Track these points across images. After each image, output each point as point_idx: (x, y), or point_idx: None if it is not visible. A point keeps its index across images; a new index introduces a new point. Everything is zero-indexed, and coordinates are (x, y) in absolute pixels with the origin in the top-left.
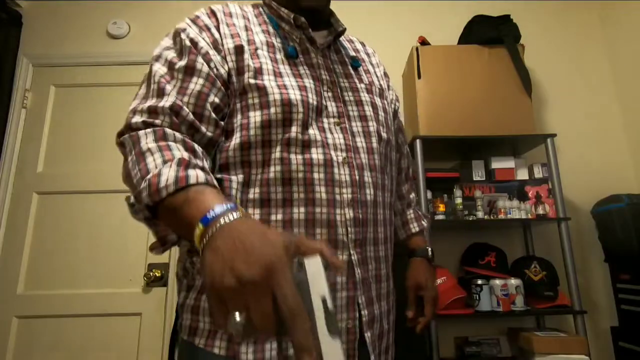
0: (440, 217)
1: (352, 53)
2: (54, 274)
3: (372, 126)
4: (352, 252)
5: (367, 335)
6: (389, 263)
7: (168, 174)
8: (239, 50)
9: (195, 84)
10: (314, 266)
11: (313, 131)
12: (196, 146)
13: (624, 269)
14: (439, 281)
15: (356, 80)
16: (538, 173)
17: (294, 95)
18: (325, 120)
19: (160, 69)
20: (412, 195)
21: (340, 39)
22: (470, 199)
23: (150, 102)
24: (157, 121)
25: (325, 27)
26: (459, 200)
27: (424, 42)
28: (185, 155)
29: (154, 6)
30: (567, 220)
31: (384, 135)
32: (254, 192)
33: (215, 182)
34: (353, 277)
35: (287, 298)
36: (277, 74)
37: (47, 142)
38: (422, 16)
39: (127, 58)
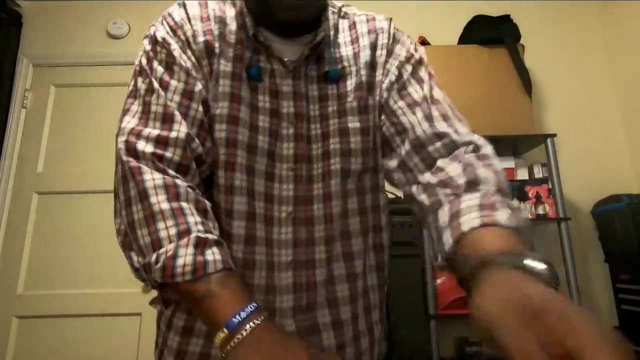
0: None
1: (344, 51)
2: (54, 274)
3: (335, 163)
4: (290, 322)
5: None
6: (363, 320)
7: (185, 259)
8: (210, 54)
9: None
10: None
11: (258, 180)
12: (207, 205)
13: (624, 269)
14: (439, 281)
15: (329, 102)
16: (538, 173)
17: (242, 136)
18: (278, 165)
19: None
20: (469, 174)
21: (343, 26)
22: None
23: (157, 129)
24: (168, 154)
25: (310, 31)
26: None
27: (424, 42)
28: (200, 226)
29: (154, 6)
30: (567, 220)
31: (354, 167)
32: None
33: (229, 259)
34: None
35: None
36: (235, 99)
37: (47, 142)
38: (422, 16)
39: (127, 58)
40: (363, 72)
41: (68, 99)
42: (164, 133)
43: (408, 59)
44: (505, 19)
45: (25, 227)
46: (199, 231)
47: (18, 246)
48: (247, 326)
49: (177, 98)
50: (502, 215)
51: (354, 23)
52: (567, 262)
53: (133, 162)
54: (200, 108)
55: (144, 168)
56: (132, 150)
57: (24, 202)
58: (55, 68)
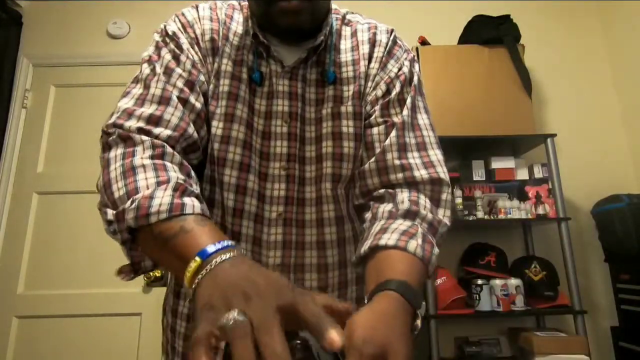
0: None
1: (343, 56)
2: (54, 274)
3: (327, 167)
4: None
5: None
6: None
7: (162, 199)
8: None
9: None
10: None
11: (252, 177)
12: (192, 171)
13: (624, 269)
14: (438, 281)
15: (325, 104)
16: (538, 173)
17: (237, 133)
18: (271, 164)
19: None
20: (413, 199)
21: (345, 32)
22: (470, 199)
23: (151, 110)
24: (156, 131)
25: (310, 38)
26: (459, 200)
27: (424, 42)
28: (182, 178)
29: (154, 6)
30: (567, 220)
31: (344, 173)
32: None
33: (208, 214)
34: None
35: (274, 354)
36: (231, 97)
37: (47, 142)
38: (422, 16)
39: (127, 58)
40: (361, 80)
41: (68, 99)
42: (157, 113)
43: (398, 77)
44: (505, 19)
45: (25, 227)
46: (178, 179)
47: (18, 246)
48: (222, 256)
49: (179, 84)
50: (413, 245)
51: (356, 31)
52: (567, 262)
53: (115, 135)
54: (201, 98)
55: (135, 139)
56: (117, 126)
57: (24, 202)
58: (55, 68)
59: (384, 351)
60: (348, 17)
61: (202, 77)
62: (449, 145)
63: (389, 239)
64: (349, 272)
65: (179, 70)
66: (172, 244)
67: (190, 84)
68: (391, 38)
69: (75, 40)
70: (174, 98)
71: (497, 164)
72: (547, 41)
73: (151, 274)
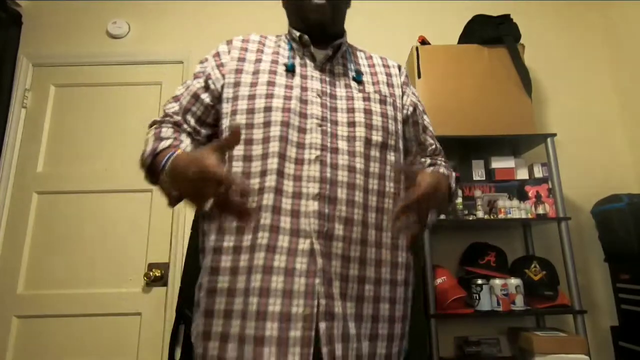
0: (440, 216)
1: (362, 67)
2: (54, 274)
3: (360, 131)
4: (314, 241)
5: (322, 325)
6: (379, 269)
7: (150, 148)
8: (239, 70)
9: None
10: None
11: (292, 131)
12: (181, 132)
13: (624, 269)
14: (438, 281)
15: (354, 90)
16: (538, 173)
17: (277, 102)
18: (308, 121)
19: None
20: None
21: (361, 55)
22: (470, 198)
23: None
24: (167, 118)
25: (333, 39)
26: (459, 200)
27: (424, 41)
28: (168, 135)
29: (154, 6)
30: (567, 220)
31: (375, 138)
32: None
33: (177, 143)
34: (314, 266)
35: (216, 173)
36: (270, 84)
37: (47, 142)
38: (422, 16)
39: (127, 58)
40: (381, 85)
41: (68, 99)
42: (168, 110)
43: (418, 98)
44: (505, 19)
45: (25, 227)
46: (163, 137)
47: (18, 246)
48: (172, 156)
49: (187, 96)
50: (440, 168)
51: (370, 56)
52: (567, 261)
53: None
54: (210, 97)
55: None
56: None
57: (24, 202)
58: (55, 68)
59: (436, 186)
60: (358, 47)
61: (212, 86)
62: (449, 144)
63: (428, 165)
64: (370, 215)
65: (195, 84)
66: (155, 165)
67: (196, 96)
68: (402, 71)
69: (75, 40)
70: (184, 104)
71: (497, 163)
72: (547, 41)
73: (151, 273)
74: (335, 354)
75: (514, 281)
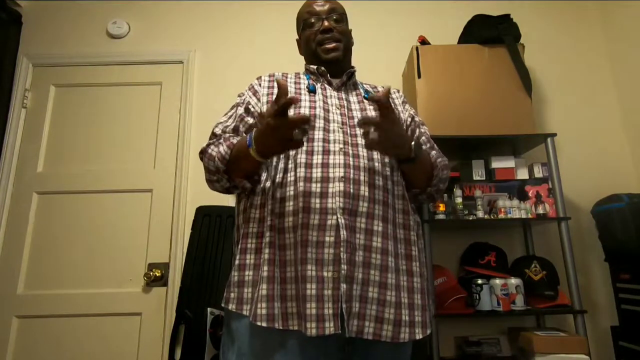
0: (441, 216)
1: (367, 88)
2: (53, 274)
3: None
4: (339, 217)
5: (343, 286)
6: (391, 241)
7: (224, 148)
8: (270, 93)
9: (234, 120)
10: None
11: (318, 132)
12: (232, 138)
13: (624, 269)
14: (439, 281)
15: (366, 104)
16: (538, 173)
17: (303, 110)
18: (331, 125)
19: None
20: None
21: (367, 86)
22: (470, 198)
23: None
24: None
25: (344, 70)
26: (459, 200)
27: (424, 41)
28: (227, 137)
29: (154, 6)
30: (567, 219)
31: None
32: (272, 176)
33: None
34: (339, 238)
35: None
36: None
37: (47, 142)
38: (422, 16)
39: (127, 58)
40: (394, 101)
41: (68, 99)
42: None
43: (415, 112)
44: (505, 19)
45: (25, 227)
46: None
47: (18, 246)
48: (250, 135)
49: (233, 119)
50: (434, 154)
51: (375, 86)
52: (567, 261)
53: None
54: (240, 125)
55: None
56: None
57: (24, 202)
58: (55, 68)
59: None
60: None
61: (252, 109)
62: (449, 145)
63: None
64: (388, 195)
65: (239, 110)
66: (238, 153)
67: (239, 118)
68: (401, 94)
69: (75, 40)
70: (229, 123)
71: (497, 163)
72: (547, 41)
73: (151, 273)
74: (351, 311)
75: (514, 281)
